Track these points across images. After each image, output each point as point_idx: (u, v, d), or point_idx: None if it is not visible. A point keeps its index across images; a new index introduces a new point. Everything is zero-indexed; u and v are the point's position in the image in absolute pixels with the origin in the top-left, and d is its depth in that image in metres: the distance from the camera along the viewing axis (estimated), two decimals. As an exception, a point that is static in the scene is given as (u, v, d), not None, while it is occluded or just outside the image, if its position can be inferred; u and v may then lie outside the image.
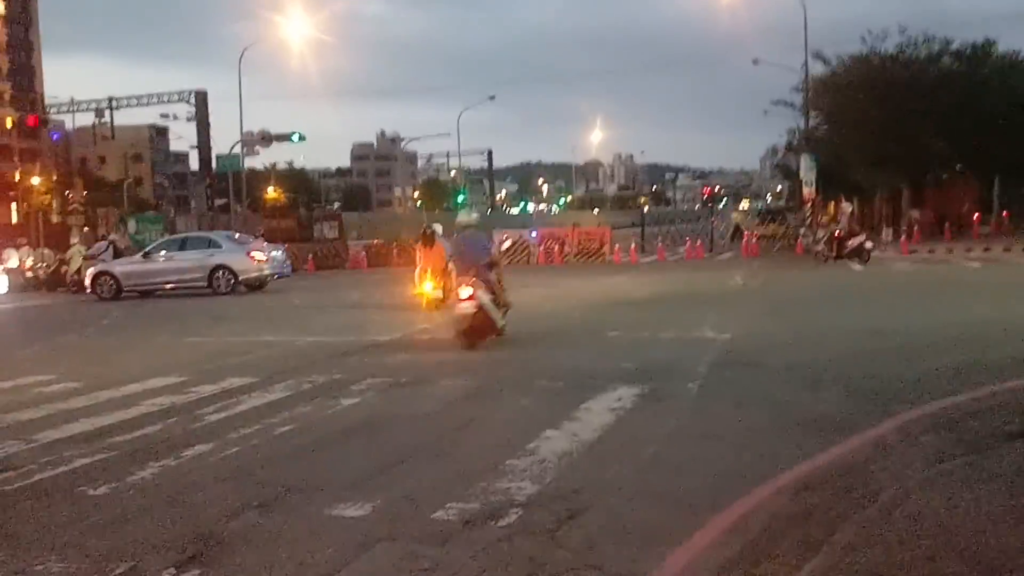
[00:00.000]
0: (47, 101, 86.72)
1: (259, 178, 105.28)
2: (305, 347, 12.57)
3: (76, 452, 6.86)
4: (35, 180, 76.41)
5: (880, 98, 34.60)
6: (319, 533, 4.90)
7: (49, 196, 68.34)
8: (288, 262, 25.47)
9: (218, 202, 50.47)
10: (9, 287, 24.88)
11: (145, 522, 5.19)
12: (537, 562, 4.42)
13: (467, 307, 11.66)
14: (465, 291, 11.78)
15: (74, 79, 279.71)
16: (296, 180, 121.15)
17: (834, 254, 26.73)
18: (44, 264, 28.75)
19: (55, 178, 78.21)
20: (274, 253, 24.35)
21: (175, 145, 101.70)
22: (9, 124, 77.42)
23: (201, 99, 49.44)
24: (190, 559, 4.58)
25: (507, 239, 32.43)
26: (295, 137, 44.04)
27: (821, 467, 6.00)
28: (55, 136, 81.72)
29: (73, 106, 67.38)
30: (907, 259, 28.06)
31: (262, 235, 29.91)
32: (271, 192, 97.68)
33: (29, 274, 28.55)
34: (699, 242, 36.87)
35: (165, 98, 51.00)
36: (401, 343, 12.61)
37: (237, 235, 26.05)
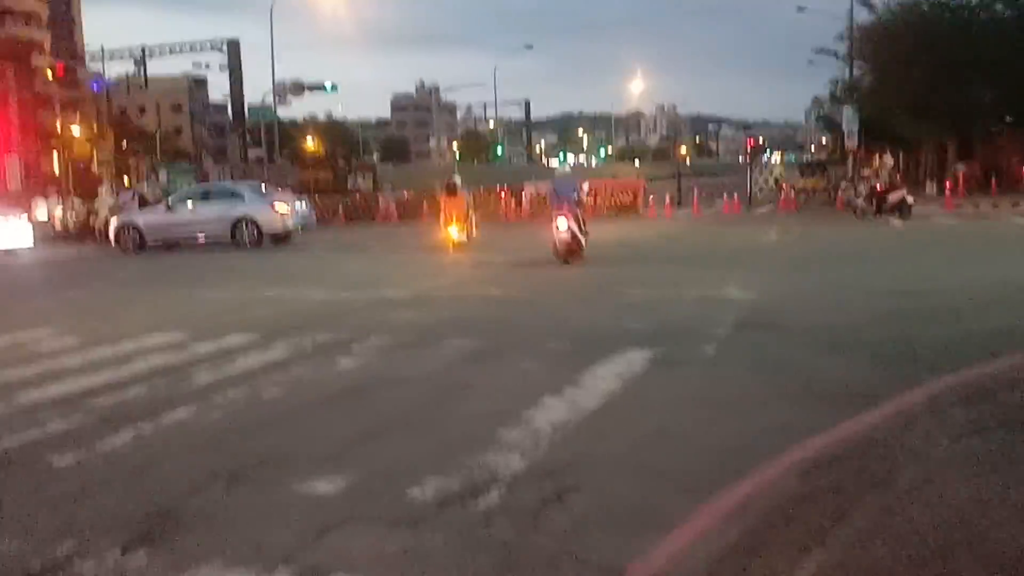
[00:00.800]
0: (86, 51, 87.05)
1: (298, 129, 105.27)
2: (316, 303, 12.25)
3: (53, 415, 6.58)
4: (75, 130, 76.78)
5: (927, 46, 33.27)
6: (283, 511, 4.56)
7: (90, 146, 68.73)
8: (312, 214, 25.13)
9: (256, 153, 50.43)
10: (35, 238, 24.73)
11: (104, 496, 4.88)
12: (513, 550, 4.04)
13: (565, 233, 15.79)
14: (563, 221, 15.83)
15: (112, 30, 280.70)
16: (336, 131, 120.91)
17: (874, 209, 25.87)
18: (74, 215, 28.71)
19: (95, 128, 78.66)
20: (297, 205, 24.02)
21: (214, 96, 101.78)
22: (49, 76, 77.61)
23: (234, 48, 49.09)
24: (140, 539, 4.26)
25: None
26: (328, 86, 43.61)
27: (836, 442, 5.54)
28: (95, 85, 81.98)
29: (107, 55, 67.56)
30: (950, 214, 27.09)
31: (290, 187, 29.58)
32: (309, 143, 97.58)
33: (58, 225, 28.52)
34: (736, 196, 35.99)
35: (198, 47, 50.67)
36: (414, 300, 12.23)
37: (263, 186, 25.72)
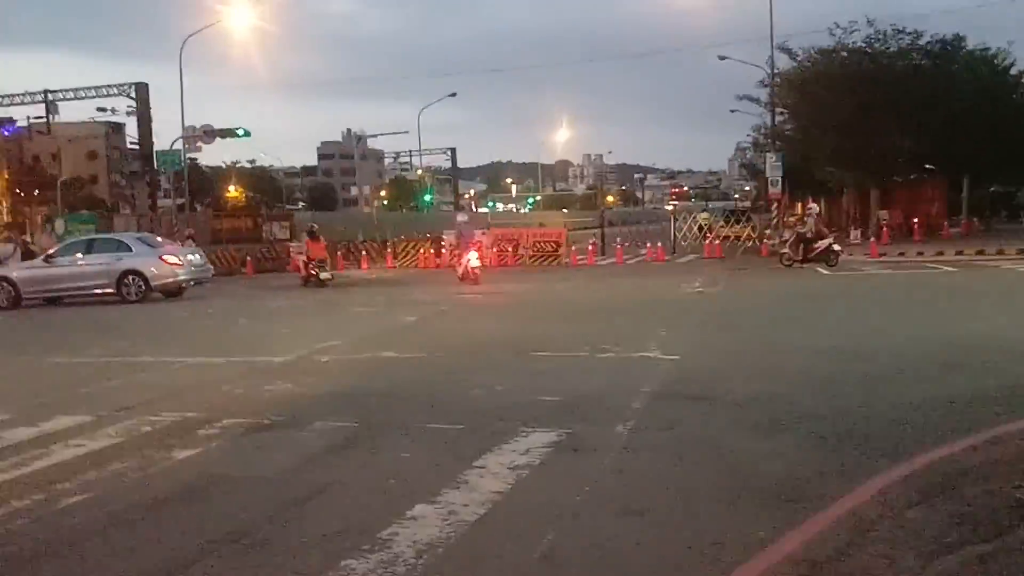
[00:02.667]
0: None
1: (220, 176, 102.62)
2: (181, 371, 10.67)
3: None
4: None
5: (847, 94, 33.06)
6: None
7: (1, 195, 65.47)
8: (207, 266, 23.39)
9: (175, 201, 48.32)
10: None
11: None
12: None
13: (476, 266, 23.20)
14: (474, 256, 23.44)
15: (24, 75, 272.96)
16: (261, 179, 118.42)
17: (800, 257, 25.17)
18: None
19: (6, 177, 75.17)
20: (191, 256, 22.27)
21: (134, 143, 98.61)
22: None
23: (142, 92, 47.00)
24: None
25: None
26: (240, 131, 41.76)
27: (776, 565, 4.29)
28: (6, 130, 78.65)
29: (16, 99, 64.75)
30: (877, 262, 26.56)
31: (190, 236, 27.79)
32: (232, 191, 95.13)
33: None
34: (660, 244, 35.25)
35: (104, 91, 48.51)
36: (293, 366, 10.71)
37: (158, 237, 23.94)
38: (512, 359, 10.70)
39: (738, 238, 38.69)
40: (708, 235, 37.96)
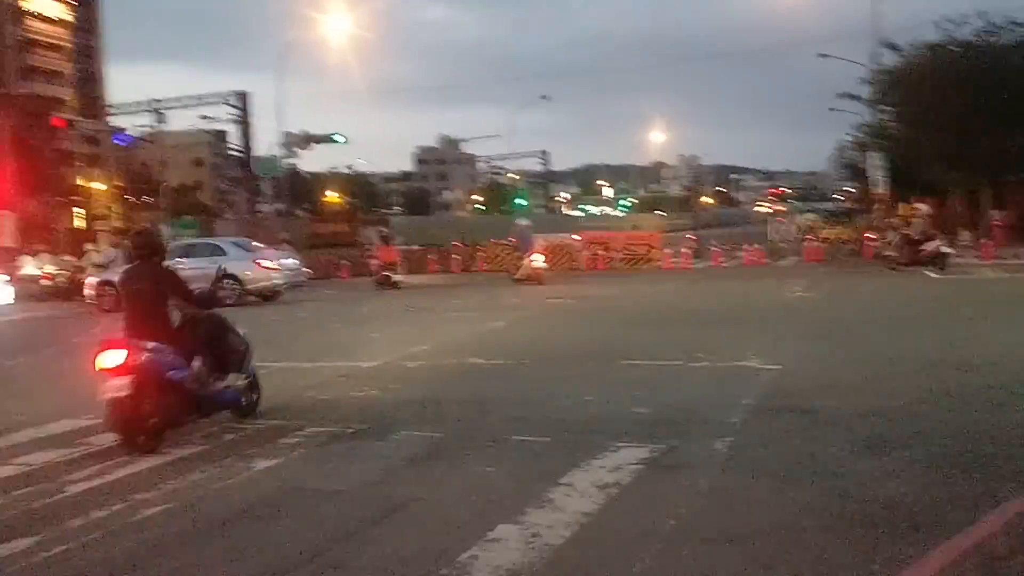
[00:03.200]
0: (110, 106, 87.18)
1: (320, 182, 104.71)
2: (268, 376, 10.52)
3: None
4: (97, 185, 76.29)
5: (957, 89, 31.57)
6: None
7: (107, 201, 68.21)
8: (302, 270, 23.68)
9: (274, 206, 49.41)
10: (18, 296, 23.42)
11: None
12: None
13: (541, 267, 25.20)
14: (539, 258, 25.44)
15: (134, 86, 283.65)
16: (358, 184, 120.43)
17: (907, 260, 24.04)
18: (63, 272, 27.38)
19: (116, 183, 78.10)
20: (285, 261, 22.56)
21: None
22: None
23: (242, 101, 48.15)
24: None
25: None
26: (337, 137, 42.53)
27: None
28: (118, 140, 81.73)
29: (128, 110, 67.21)
30: (991, 266, 25.21)
31: (285, 240, 28.18)
32: (330, 196, 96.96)
33: (46, 282, 27.17)
34: (759, 246, 34.29)
35: (208, 100, 49.89)
36: (380, 372, 10.56)
37: (253, 241, 24.29)
38: (602, 367, 10.33)
39: (840, 240, 37.35)
40: (808, 237, 36.79)
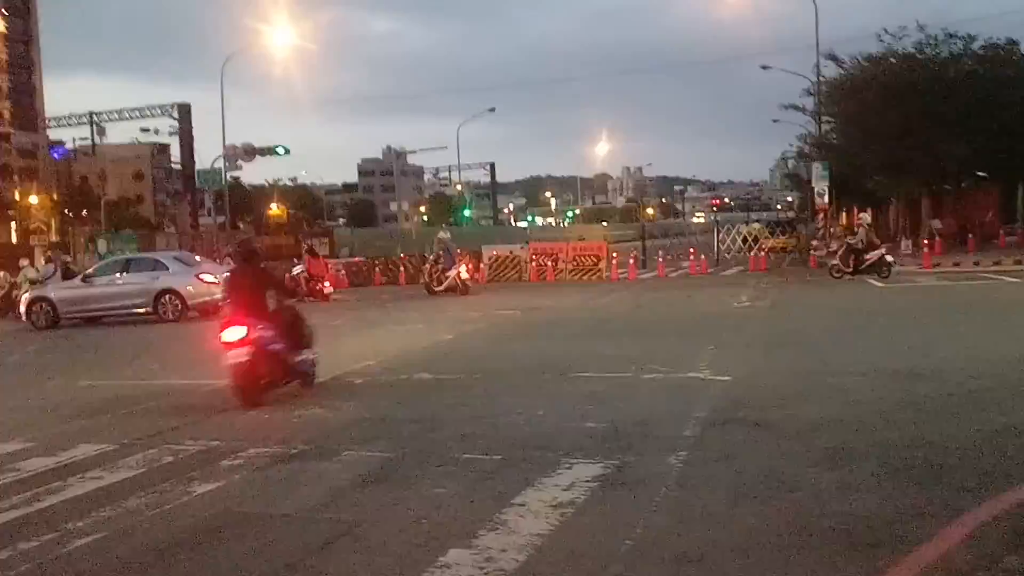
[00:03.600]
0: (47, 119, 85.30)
1: (263, 195, 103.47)
2: (210, 395, 10.26)
3: None
4: (33, 199, 74.38)
5: (897, 100, 32.23)
6: None
7: (42, 215, 66.45)
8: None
9: (220, 219, 48.59)
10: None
11: None
12: None
13: (466, 277, 25.77)
14: (464, 269, 25.92)
15: (72, 98, 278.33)
16: (302, 196, 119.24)
17: (850, 269, 24.37)
18: (-1, 288, 26.49)
19: (55, 197, 76.29)
20: (227, 275, 22.04)
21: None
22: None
23: (184, 113, 47.33)
24: None
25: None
26: (280, 149, 41.92)
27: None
28: (55, 153, 79.91)
29: (64, 122, 65.82)
30: (932, 274, 25.66)
31: (229, 255, 27.53)
32: (274, 208, 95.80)
33: (-18, 299, 26.24)
34: (704, 256, 34.54)
35: (148, 112, 48.93)
36: (327, 389, 10.26)
37: (195, 256, 23.77)
38: (553, 381, 10.18)
39: (784, 249, 37.81)
40: (753, 247, 37.15)
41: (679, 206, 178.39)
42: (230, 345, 9.02)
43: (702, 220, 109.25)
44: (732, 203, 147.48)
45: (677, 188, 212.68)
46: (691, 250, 36.55)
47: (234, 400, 9.19)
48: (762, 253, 34.64)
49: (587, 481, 5.93)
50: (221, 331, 9.11)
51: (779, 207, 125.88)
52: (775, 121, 49.68)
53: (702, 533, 4.89)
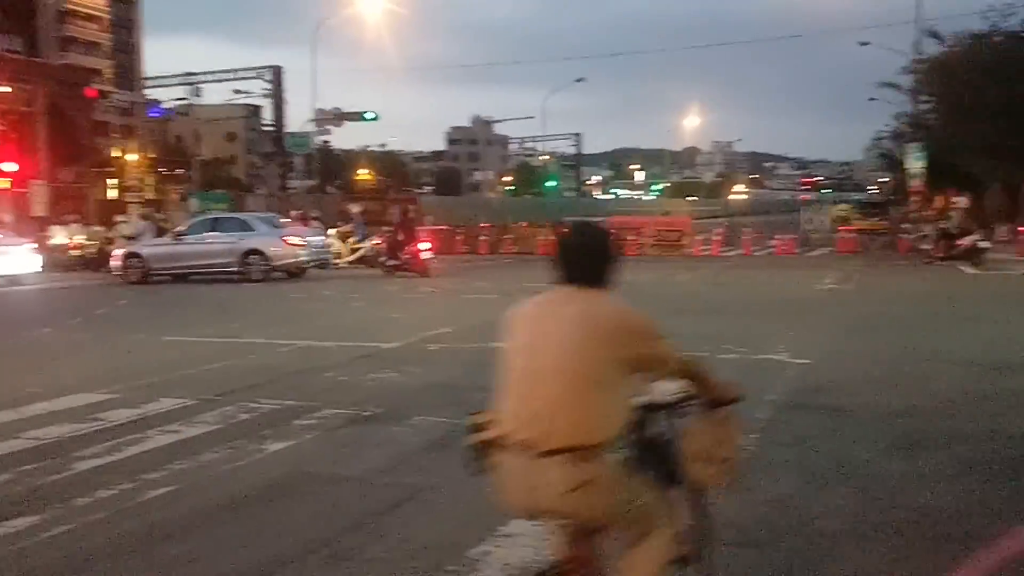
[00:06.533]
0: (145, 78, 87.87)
1: (351, 159, 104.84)
2: (288, 355, 10.51)
3: None
4: (131, 157, 76.72)
5: (1000, 80, 30.83)
6: None
7: (139, 172, 68.57)
8: (327, 248, 23.60)
9: (308, 183, 49.45)
10: (46, 265, 23.50)
11: None
12: None
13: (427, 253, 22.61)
14: (424, 245, 22.74)
15: (170, 58, 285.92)
16: (390, 163, 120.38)
17: (942, 254, 23.56)
18: (93, 243, 27.48)
19: (151, 155, 78.53)
20: (312, 239, 22.48)
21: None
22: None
23: (276, 76, 48.14)
24: None
25: None
26: (368, 115, 42.39)
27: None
28: (153, 112, 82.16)
29: (163, 82, 67.57)
30: (1028, 262, 24.66)
31: (316, 218, 28.00)
32: (361, 174, 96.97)
33: (75, 252, 27.28)
34: (790, 236, 33.82)
35: (242, 74, 49.93)
36: (402, 354, 10.42)
37: (277, 218, 24.21)
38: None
39: (873, 232, 36.75)
40: (842, 228, 36.20)
41: (769, 183, 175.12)
42: None
43: (745, 197, 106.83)
44: (823, 182, 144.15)
45: (767, 165, 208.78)
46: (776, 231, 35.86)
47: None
48: (851, 235, 33.73)
49: (653, 459, 5.88)
50: None
51: (871, 188, 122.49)
52: (871, 99, 48.21)
53: (767, 518, 4.82)
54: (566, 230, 3.19)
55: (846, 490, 5.25)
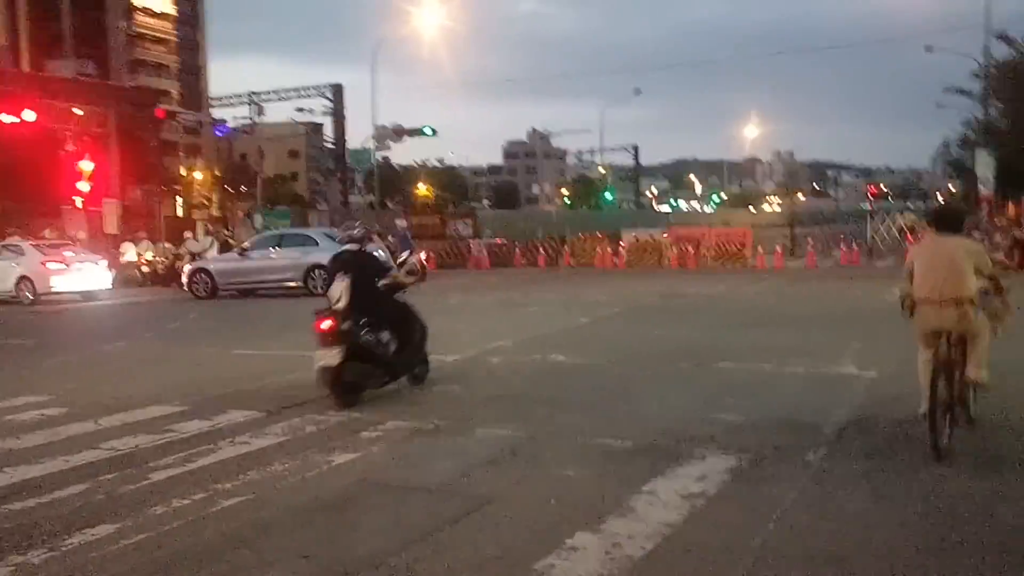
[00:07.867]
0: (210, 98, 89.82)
1: (411, 175, 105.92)
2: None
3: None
4: (197, 175, 78.45)
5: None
6: None
7: (205, 190, 70.20)
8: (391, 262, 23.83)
9: (368, 198, 50.14)
10: (117, 281, 24.19)
11: None
12: None
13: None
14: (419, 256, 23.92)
15: (233, 78, 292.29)
16: (448, 177, 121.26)
17: (1015, 264, 22.96)
18: (162, 259, 28.21)
19: (217, 173, 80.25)
20: (377, 252, 22.70)
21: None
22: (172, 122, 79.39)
23: (338, 93, 48.88)
24: None
25: None
26: (427, 130, 42.80)
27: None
28: (219, 131, 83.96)
29: (226, 102, 69.05)
30: (1106, 271, 23.88)
31: (377, 233, 28.31)
32: (420, 189, 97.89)
33: (145, 268, 28.02)
34: (855, 245, 33.26)
35: (303, 92, 50.82)
36: (465, 366, 10.51)
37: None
38: (690, 370, 10.06)
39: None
40: (910, 237, 35.47)
41: (832, 192, 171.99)
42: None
43: (778, 209, 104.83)
44: (888, 191, 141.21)
45: (830, 173, 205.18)
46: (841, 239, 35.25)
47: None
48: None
49: (719, 473, 5.85)
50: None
51: (939, 196, 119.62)
52: (939, 106, 47.32)
53: (837, 534, 4.75)
54: (943, 206, 7.73)
55: (919, 506, 5.15)
